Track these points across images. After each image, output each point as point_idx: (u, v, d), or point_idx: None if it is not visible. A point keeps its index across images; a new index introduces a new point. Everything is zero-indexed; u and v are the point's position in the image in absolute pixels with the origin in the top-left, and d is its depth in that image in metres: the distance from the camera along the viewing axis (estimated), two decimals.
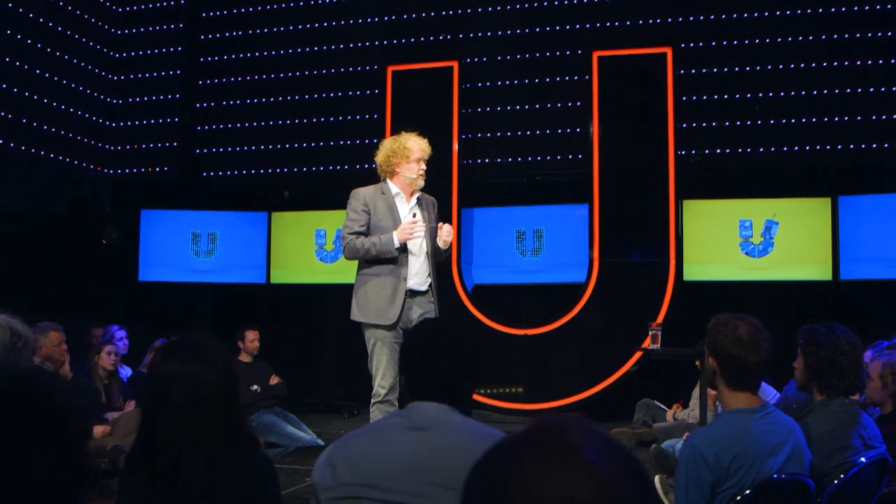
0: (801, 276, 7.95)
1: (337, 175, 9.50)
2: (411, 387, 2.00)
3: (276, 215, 9.52)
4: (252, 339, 7.45)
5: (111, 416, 6.00)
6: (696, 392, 6.28)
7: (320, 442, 7.03)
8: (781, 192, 8.07)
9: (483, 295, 8.60)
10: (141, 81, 10.21)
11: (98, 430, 5.57)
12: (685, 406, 6.63)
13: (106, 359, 6.24)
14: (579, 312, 8.07)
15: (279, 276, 9.51)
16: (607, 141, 8.16)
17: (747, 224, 8.10)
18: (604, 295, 8.00)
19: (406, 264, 4.88)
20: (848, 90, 8.14)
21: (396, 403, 4.94)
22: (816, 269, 7.92)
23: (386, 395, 4.89)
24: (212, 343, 2.15)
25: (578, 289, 8.12)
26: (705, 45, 8.47)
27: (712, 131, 8.42)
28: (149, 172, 10.08)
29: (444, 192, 8.41)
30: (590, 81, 8.20)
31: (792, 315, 7.39)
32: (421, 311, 4.90)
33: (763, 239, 8.05)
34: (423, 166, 4.96)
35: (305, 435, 7.11)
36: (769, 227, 8.03)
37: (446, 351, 2.01)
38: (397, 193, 5.00)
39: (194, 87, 10.09)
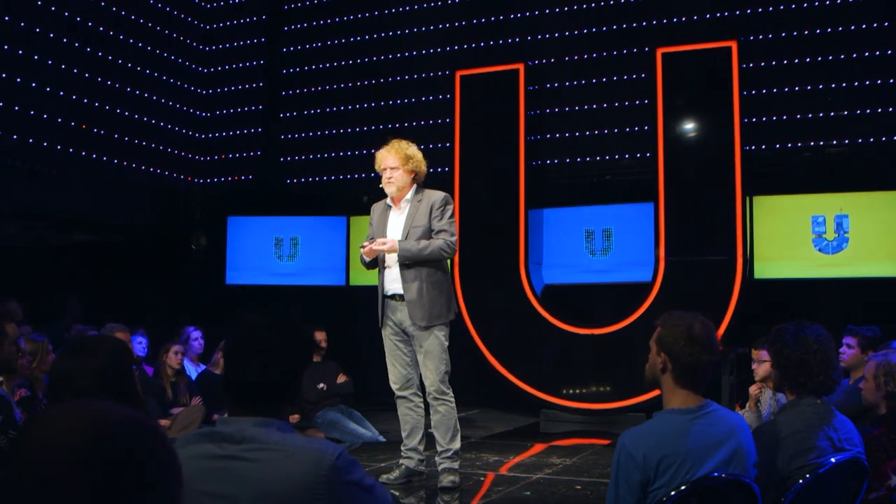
0: (878, 273, 7.60)
1: None
2: (225, 386, 1.96)
3: (354, 219, 9.83)
4: (318, 339, 7.74)
5: (175, 411, 6.40)
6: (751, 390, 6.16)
7: (381, 438, 7.26)
8: (855, 185, 7.74)
9: (553, 295, 8.63)
10: (226, 94, 10.75)
11: (160, 423, 5.96)
12: (742, 406, 6.50)
13: (173, 358, 6.66)
14: (645, 312, 7.99)
15: (358, 278, 9.80)
16: (672, 138, 8.04)
17: (820, 220, 7.82)
18: (670, 294, 7.88)
19: (384, 272, 5.17)
20: None
21: (414, 399, 5.15)
22: (894, 265, 7.57)
23: (398, 390, 5.13)
24: (100, 339, 2.48)
25: (647, 288, 8.04)
26: (774, 36, 8.22)
27: (781, 125, 8.16)
28: (235, 181, 10.60)
29: (512, 193, 8.51)
30: (654, 78, 8.11)
31: (867, 314, 7.06)
32: (406, 315, 5.06)
33: (837, 235, 7.75)
34: (387, 174, 5.11)
35: (367, 432, 7.34)
36: (839, 221, 7.72)
37: (259, 354, 1.92)
38: (390, 204, 5.24)
39: (276, 98, 10.54)
